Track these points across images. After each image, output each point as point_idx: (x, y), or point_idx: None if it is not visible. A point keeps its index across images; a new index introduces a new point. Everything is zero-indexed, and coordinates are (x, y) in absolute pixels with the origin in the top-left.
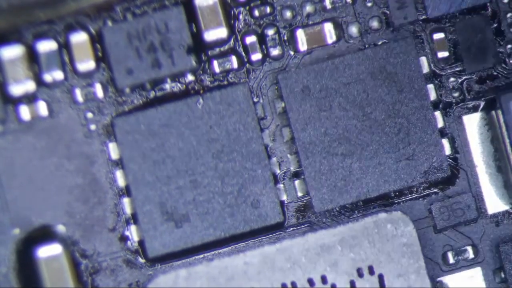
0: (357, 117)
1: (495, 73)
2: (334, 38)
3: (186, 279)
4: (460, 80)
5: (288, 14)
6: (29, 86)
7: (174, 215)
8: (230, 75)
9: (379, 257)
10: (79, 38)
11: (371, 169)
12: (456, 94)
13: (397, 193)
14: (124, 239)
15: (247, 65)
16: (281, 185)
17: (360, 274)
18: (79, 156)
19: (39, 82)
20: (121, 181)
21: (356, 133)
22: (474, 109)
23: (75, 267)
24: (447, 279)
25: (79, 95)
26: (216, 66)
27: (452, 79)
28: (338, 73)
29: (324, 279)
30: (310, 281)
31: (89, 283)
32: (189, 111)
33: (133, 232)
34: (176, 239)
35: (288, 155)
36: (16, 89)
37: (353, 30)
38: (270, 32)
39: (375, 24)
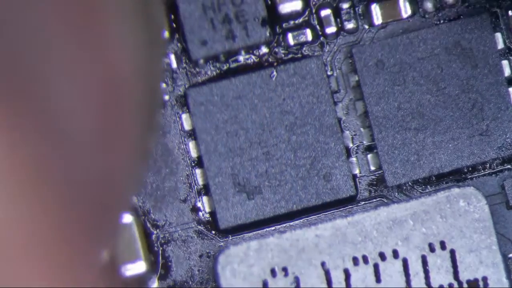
0: (431, 92)
1: None
2: (409, 12)
3: (257, 250)
4: None
5: None
6: None
7: (246, 187)
8: (304, 48)
9: (451, 232)
10: None
11: (444, 144)
12: None
13: (470, 169)
14: (195, 210)
15: (321, 38)
16: (354, 159)
17: (431, 249)
18: None
19: None
20: (193, 152)
21: (429, 108)
22: None
23: (146, 237)
24: None
25: None
26: (290, 38)
27: None
28: (413, 48)
29: (395, 253)
30: (382, 255)
31: (160, 253)
32: (262, 83)
33: (205, 203)
34: (248, 211)
35: (361, 129)
36: None
37: (429, 5)
38: (345, 5)
39: None
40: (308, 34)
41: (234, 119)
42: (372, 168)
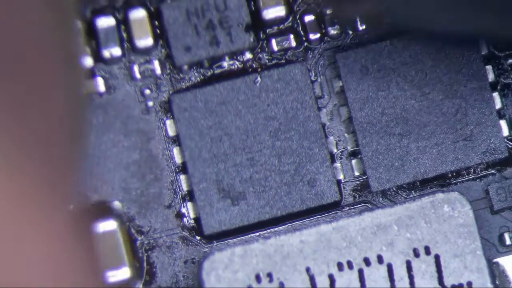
0: (415, 97)
1: None
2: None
3: (242, 256)
4: None
5: None
6: (87, 62)
7: (230, 192)
8: (288, 54)
9: (435, 237)
10: (137, 14)
11: (428, 149)
12: None
13: (454, 174)
14: (180, 216)
15: (305, 43)
16: (338, 164)
17: (416, 254)
18: (136, 133)
19: (97, 58)
20: (178, 158)
21: (413, 113)
22: None
23: (130, 243)
24: (503, 260)
25: (137, 71)
26: (274, 44)
27: (510, 60)
28: (397, 53)
29: (380, 259)
30: (366, 260)
31: (144, 259)
32: (246, 89)
33: (189, 209)
34: (232, 217)
35: (346, 134)
36: None
37: None
38: (329, 11)
39: None
40: (292, 40)
41: (218, 125)
42: (357, 173)
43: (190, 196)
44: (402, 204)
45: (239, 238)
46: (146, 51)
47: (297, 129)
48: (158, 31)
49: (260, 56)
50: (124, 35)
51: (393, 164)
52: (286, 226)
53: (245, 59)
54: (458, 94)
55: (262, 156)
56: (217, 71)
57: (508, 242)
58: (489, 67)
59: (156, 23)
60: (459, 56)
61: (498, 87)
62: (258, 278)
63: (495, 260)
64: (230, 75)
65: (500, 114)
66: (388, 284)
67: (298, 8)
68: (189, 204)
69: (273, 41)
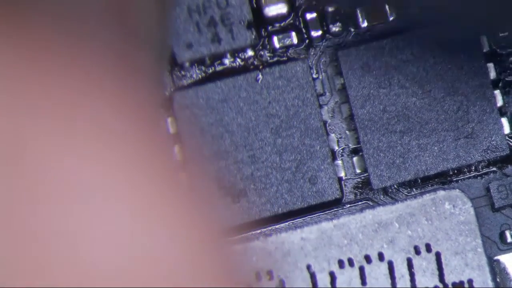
0: (416, 94)
1: None
2: (394, 15)
3: (242, 254)
4: None
5: None
6: None
7: (231, 190)
8: (289, 51)
9: (436, 235)
10: None
11: (429, 146)
12: None
13: (455, 171)
14: None
15: (307, 41)
16: (339, 162)
17: (417, 251)
18: None
19: None
20: (178, 156)
21: (415, 111)
22: None
23: None
24: (504, 258)
25: None
26: (276, 41)
27: None
28: (398, 50)
29: (381, 256)
30: (367, 258)
31: None
32: (248, 87)
33: None
34: (233, 214)
35: (347, 132)
36: None
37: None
38: (331, 8)
39: None
40: (294, 37)
41: (220, 122)
42: (358, 170)
43: None
44: (403, 201)
45: (239, 236)
46: None
47: (298, 127)
48: None
49: (262, 53)
50: None
51: (394, 161)
52: (287, 223)
53: (246, 56)
54: (460, 92)
55: (263, 154)
56: (219, 68)
57: (509, 239)
58: (490, 65)
59: None
60: (460, 54)
61: (500, 84)
62: (258, 276)
63: (496, 257)
64: (231, 72)
65: (502, 112)
66: (389, 282)
67: (299, 5)
68: None
69: (275, 39)
